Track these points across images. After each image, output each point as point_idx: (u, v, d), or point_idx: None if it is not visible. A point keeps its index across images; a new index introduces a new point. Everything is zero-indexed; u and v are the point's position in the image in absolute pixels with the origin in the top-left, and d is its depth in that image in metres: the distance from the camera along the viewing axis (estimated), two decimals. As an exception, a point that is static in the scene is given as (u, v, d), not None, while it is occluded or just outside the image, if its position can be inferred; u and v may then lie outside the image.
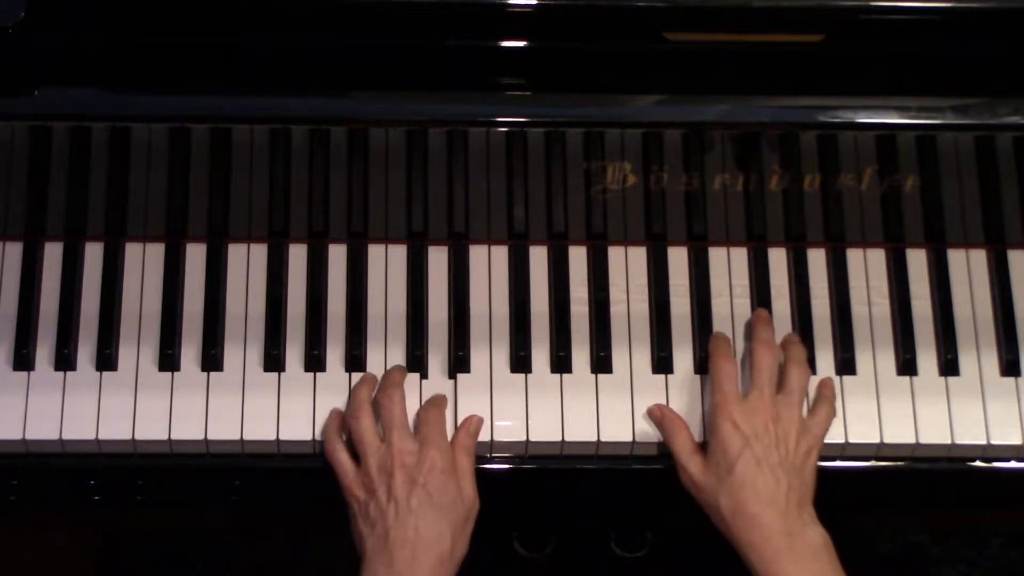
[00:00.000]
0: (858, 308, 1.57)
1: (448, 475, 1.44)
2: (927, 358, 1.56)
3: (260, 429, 1.50)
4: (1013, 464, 1.54)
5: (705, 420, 1.51)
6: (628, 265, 1.58)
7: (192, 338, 1.53)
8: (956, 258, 1.59)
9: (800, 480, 1.43)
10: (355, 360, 1.53)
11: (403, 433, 1.45)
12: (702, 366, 1.54)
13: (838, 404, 1.52)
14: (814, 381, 1.53)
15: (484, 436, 1.51)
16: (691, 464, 1.45)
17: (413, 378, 1.53)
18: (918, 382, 1.55)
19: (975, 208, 1.56)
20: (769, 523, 1.39)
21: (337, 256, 1.57)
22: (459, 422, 1.50)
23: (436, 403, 1.50)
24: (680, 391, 1.53)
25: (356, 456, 1.47)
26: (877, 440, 1.52)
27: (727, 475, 1.42)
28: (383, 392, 1.48)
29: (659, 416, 1.50)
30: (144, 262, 1.55)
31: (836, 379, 1.54)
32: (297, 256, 1.57)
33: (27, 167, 1.48)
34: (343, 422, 1.50)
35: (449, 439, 1.48)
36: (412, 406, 1.50)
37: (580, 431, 1.51)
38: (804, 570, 1.38)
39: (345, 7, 1.38)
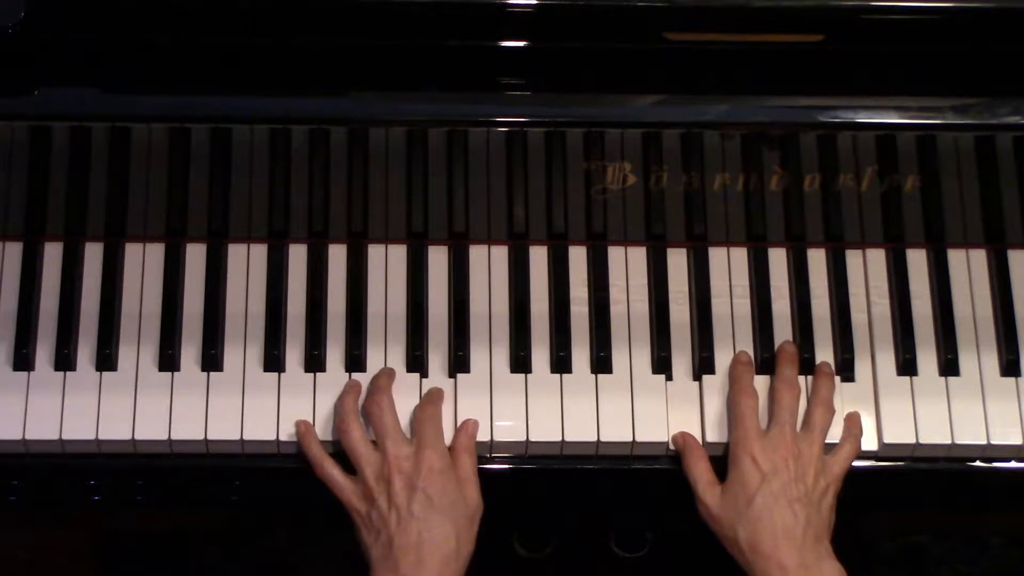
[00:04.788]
0: (858, 308, 1.57)
1: (447, 475, 1.43)
2: (927, 358, 1.55)
3: (260, 429, 1.50)
4: (1013, 464, 1.54)
5: (706, 428, 1.51)
6: (628, 265, 1.58)
7: (192, 338, 1.53)
8: (956, 258, 1.59)
9: (818, 516, 1.43)
10: (355, 360, 1.53)
11: (396, 439, 1.45)
12: (702, 366, 1.54)
13: (837, 404, 1.52)
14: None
15: (484, 436, 1.51)
16: (707, 496, 1.46)
17: (413, 378, 1.52)
18: (918, 382, 1.54)
19: (975, 208, 1.55)
20: (786, 556, 1.39)
21: (337, 256, 1.57)
22: (458, 423, 1.50)
23: (432, 400, 1.49)
24: (680, 391, 1.53)
25: (349, 467, 1.46)
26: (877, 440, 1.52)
27: (746, 508, 1.42)
28: (370, 399, 1.48)
29: (681, 443, 1.50)
30: (144, 262, 1.55)
31: (836, 379, 1.54)
32: (297, 256, 1.57)
33: (27, 167, 1.48)
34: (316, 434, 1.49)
35: (448, 442, 1.48)
36: (412, 406, 1.50)
37: (580, 431, 1.51)
38: None
39: (345, 7, 1.38)
